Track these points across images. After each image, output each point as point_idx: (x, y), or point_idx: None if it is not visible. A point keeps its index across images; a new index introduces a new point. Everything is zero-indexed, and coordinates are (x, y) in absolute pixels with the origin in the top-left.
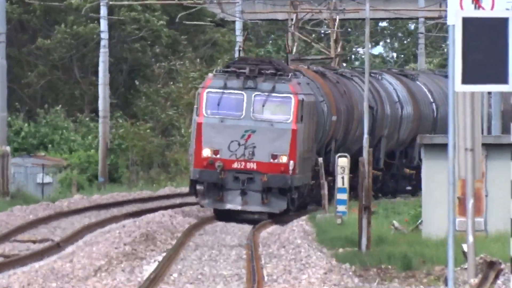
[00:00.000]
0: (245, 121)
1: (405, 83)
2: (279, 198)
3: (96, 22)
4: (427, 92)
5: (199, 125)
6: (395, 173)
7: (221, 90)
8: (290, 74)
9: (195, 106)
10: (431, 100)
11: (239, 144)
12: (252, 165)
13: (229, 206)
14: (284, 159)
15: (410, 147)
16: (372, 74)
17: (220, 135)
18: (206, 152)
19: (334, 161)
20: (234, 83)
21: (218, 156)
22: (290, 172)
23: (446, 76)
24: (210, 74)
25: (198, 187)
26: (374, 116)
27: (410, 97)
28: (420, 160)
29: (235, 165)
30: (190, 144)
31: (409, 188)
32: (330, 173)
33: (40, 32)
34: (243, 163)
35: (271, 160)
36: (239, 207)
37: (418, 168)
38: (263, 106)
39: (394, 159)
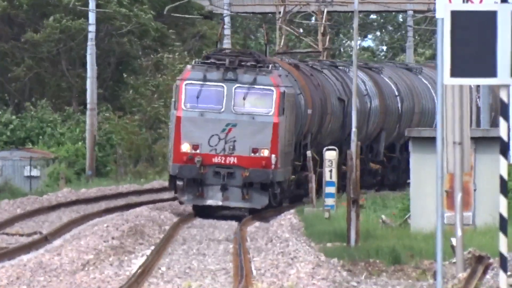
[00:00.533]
0: (226, 115)
1: (371, 76)
2: (261, 194)
3: (83, 18)
4: (392, 85)
5: (178, 119)
6: (362, 168)
7: (200, 82)
8: (270, 66)
9: (173, 100)
10: (396, 93)
11: (219, 139)
12: (232, 160)
13: (209, 202)
14: (265, 153)
15: (375, 141)
16: (340, 67)
17: (199, 129)
18: (186, 147)
19: (310, 155)
20: (213, 75)
21: (197, 151)
22: (272, 166)
23: (408, 69)
24: (189, 66)
25: (178, 182)
26: (345, 109)
27: (377, 90)
28: (385, 155)
29: (215, 160)
30: (169, 138)
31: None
32: (306, 168)
33: (27, 26)
34: (223, 158)
35: (252, 154)
36: (220, 203)
37: (382, 163)
38: (244, 98)
39: (362, 154)
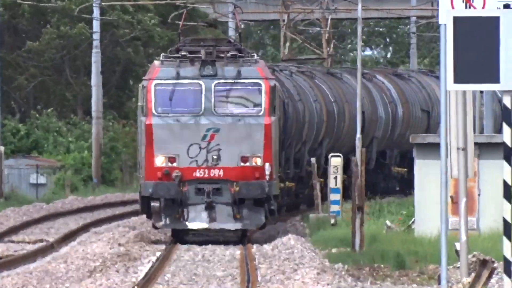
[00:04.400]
0: (206, 118)
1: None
2: (255, 211)
3: (83, 22)
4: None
5: (149, 127)
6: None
7: (172, 81)
8: (255, 55)
9: (140, 104)
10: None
11: (200, 148)
12: (218, 173)
13: (192, 225)
14: (258, 161)
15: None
16: (334, 74)
17: (175, 138)
18: (160, 161)
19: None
20: (188, 71)
21: (175, 164)
22: (267, 177)
23: (397, 75)
24: (157, 62)
25: (153, 204)
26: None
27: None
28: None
29: (197, 174)
30: (138, 151)
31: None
32: (301, 176)
33: (30, 34)
34: (206, 171)
35: (242, 164)
36: (205, 225)
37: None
38: (227, 97)
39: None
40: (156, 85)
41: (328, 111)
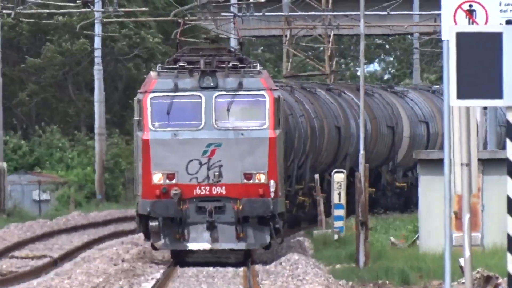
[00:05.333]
0: (207, 132)
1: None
2: (260, 230)
3: (82, 37)
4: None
5: (145, 143)
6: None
7: (170, 93)
8: (258, 65)
9: (136, 118)
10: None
11: (200, 164)
12: (220, 190)
13: (193, 245)
14: (262, 178)
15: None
16: (308, 89)
17: (174, 153)
18: (158, 178)
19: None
20: (187, 83)
21: (174, 181)
22: (272, 194)
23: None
24: (153, 73)
25: (151, 223)
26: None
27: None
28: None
29: (197, 192)
30: (135, 168)
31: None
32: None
33: (31, 51)
34: (207, 188)
35: (245, 181)
36: (207, 246)
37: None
38: (228, 110)
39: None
40: (152, 98)
41: (311, 127)
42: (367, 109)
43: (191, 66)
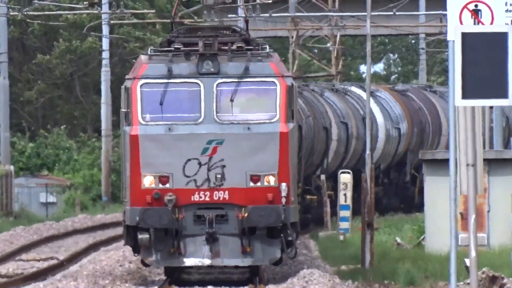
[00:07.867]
0: (206, 127)
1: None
2: (269, 243)
3: (93, 36)
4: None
5: (134, 139)
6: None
7: (163, 80)
8: (267, 47)
9: (123, 110)
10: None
11: (199, 164)
12: (222, 195)
13: (191, 261)
14: (271, 180)
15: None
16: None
17: (168, 152)
18: (149, 181)
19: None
20: (183, 68)
21: (168, 185)
22: (283, 200)
23: (335, 90)
24: (143, 56)
25: (140, 236)
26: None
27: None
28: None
29: (196, 197)
30: (123, 168)
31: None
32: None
33: (39, 51)
34: (208, 193)
35: (252, 184)
36: (207, 262)
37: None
38: (232, 100)
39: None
40: (142, 85)
41: (308, 126)
42: (347, 109)
43: (188, 48)
